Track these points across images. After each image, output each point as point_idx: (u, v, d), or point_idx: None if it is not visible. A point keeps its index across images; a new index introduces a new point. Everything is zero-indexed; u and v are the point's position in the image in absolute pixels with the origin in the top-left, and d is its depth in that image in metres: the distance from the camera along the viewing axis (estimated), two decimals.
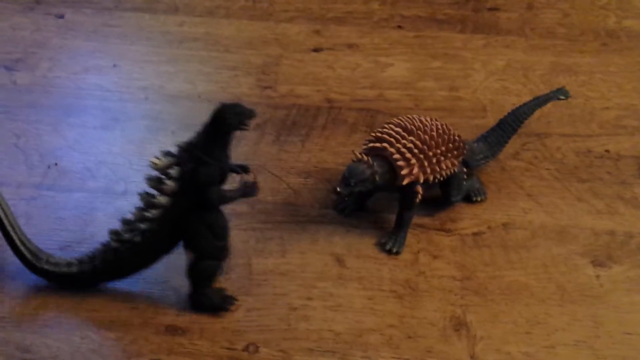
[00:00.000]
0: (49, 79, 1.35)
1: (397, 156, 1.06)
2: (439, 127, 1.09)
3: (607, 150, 1.25)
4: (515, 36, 1.48)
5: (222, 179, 0.96)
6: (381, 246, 1.09)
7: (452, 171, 1.10)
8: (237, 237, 1.08)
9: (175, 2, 1.53)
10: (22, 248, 1.00)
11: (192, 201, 0.95)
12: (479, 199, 1.16)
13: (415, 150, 1.06)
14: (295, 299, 1.03)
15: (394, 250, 1.09)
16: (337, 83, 1.37)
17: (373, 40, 1.46)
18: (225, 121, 0.93)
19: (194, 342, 0.97)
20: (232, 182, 0.98)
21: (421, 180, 1.07)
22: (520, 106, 1.21)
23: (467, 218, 1.14)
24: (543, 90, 1.32)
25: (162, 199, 0.95)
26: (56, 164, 1.20)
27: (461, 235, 1.11)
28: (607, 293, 1.04)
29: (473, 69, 1.40)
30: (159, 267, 1.01)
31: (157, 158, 0.95)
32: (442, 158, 1.08)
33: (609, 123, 1.30)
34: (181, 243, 0.99)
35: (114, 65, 1.39)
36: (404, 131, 1.07)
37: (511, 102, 1.29)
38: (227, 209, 0.98)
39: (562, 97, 1.24)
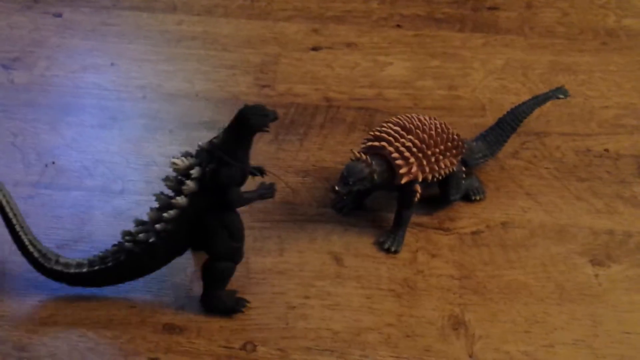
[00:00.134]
0: (47, 78, 1.35)
1: (395, 155, 1.06)
2: (438, 126, 1.09)
3: (606, 150, 1.25)
4: (514, 35, 1.48)
5: (243, 180, 0.96)
6: (379, 245, 1.09)
7: (451, 170, 1.10)
8: None
9: (173, 0, 1.53)
10: (31, 248, 0.99)
11: (210, 202, 0.95)
12: (477, 198, 1.16)
13: (414, 149, 1.06)
14: (293, 297, 1.02)
15: (393, 249, 1.08)
16: (335, 82, 1.36)
17: (372, 39, 1.46)
18: (248, 122, 0.93)
19: (192, 341, 0.97)
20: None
21: (420, 179, 1.07)
22: (519, 105, 1.21)
23: (465, 217, 1.14)
24: (542, 89, 1.32)
25: (180, 200, 0.95)
26: (54, 163, 1.20)
27: (460, 234, 1.11)
28: (606, 292, 1.04)
29: (472, 68, 1.40)
30: None
31: (178, 159, 0.95)
32: (441, 157, 1.08)
33: (608, 122, 1.30)
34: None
35: (112, 64, 1.39)
36: (402, 130, 1.07)
37: (510, 101, 1.28)
38: None
39: (561, 96, 1.24)
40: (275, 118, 0.95)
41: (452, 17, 1.52)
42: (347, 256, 1.08)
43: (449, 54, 1.43)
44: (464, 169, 1.13)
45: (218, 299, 0.99)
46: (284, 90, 1.34)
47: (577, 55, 1.44)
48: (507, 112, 1.20)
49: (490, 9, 1.54)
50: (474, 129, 1.24)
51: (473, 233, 1.11)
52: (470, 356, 0.97)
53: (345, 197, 1.13)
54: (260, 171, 1.00)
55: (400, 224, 1.09)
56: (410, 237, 1.10)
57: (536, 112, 1.23)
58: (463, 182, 1.13)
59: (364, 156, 1.05)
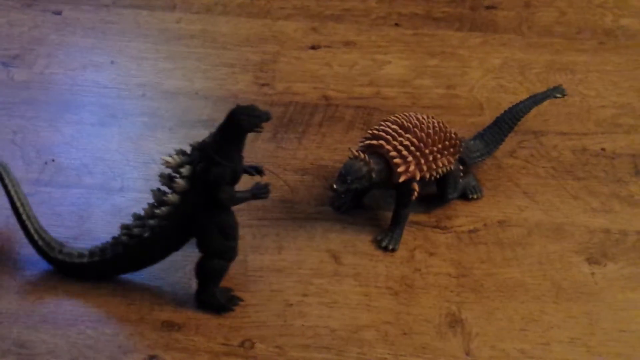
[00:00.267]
0: (47, 76, 1.36)
1: (393, 153, 1.06)
2: (436, 124, 1.09)
3: (603, 149, 1.25)
4: (512, 34, 1.48)
5: (234, 180, 0.96)
6: (377, 243, 1.10)
7: (449, 169, 1.10)
8: None
9: None
10: (36, 237, 1.01)
11: (202, 200, 0.95)
12: (475, 196, 1.16)
13: (412, 148, 1.06)
14: (291, 295, 1.03)
15: (390, 247, 1.09)
16: (334, 80, 1.37)
17: (370, 38, 1.46)
18: (240, 123, 0.93)
19: (190, 338, 0.98)
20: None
21: (417, 178, 1.07)
22: (517, 104, 1.21)
23: (463, 215, 1.14)
24: (540, 88, 1.32)
25: (172, 197, 0.96)
26: (53, 160, 1.20)
27: (457, 232, 1.12)
28: (602, 290, 1.05)
29: (470, 67, 1.41)
30: None
31: (170, 156, 0.96)
32: (439, 155, 1.08)
33: (605, 121, 1.30)
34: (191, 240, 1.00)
35: (112, 62, 1.39)
36: (400, 129, 1.08)
37: (508, 100, 1.29)
38: None
39: (558, 95, 1.24)
40: (268, 118, 0.95)
41: (451, 16, 1.52)
42: (345, 254, 1.08)
43: (447, 53, 1.44)
44: (461, 167, 1.13)
45: (211, 296, 1.00)
46: (283, 88, 1.35)
47: (575, 54, 1.44)
48: (505, 111, 1.21)
49: (488, 8, 1.55)
50: (471, 128, 1.24)
51: (470, 231, 1.12)
52: (467, 354, 0.97)
53: (343, 196, 1.13)
54: (258, 170, 1.00)
55: (398, 222, 1.10)
56: (407, 235, 1.10)
57: (533, 111, 1.24)
58: (460, 180, 1.14)
59: (362, 155, 1.06)
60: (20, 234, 1.04)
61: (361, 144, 1.09)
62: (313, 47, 1.44)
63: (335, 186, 1.05)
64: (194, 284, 1.02)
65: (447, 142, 1.09)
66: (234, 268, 1.04)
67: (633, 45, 1.46)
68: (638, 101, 1.34)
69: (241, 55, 1.41)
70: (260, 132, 0.95)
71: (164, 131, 1.26)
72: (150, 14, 1.50)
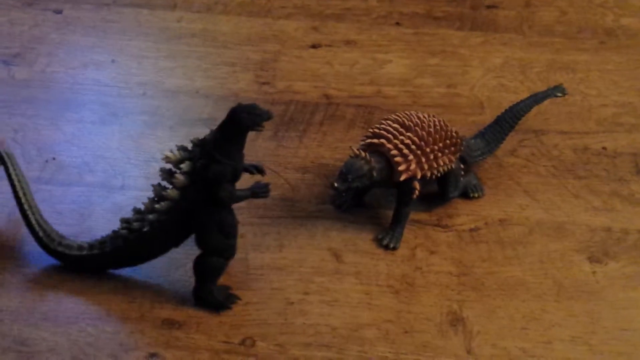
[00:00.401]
0: (47, 74, 1.36)
1: (394, 152, 1.06)
2: (437, 123, 1.09)
3: (604, 148, 1.25)
4: (513, 34, 1.48)
5: (234, 178, 0.96)
6: (378, 241, 1.09)
7: (450, 167, 1.10)
8: None
9: None
10: (37, 228, 1.02)
11: (202, 196, 0.95)
12: (476, 195, 1.16)
13: (413, 147, 1.06)
14: (292, 293, 1.03)
15: (391, 245, 1.09)
16: (335, 79, 1.37)
17: (371, 37, 1.46)
18: (241, 121, 0.93)
19: (191, 336, 0.98)
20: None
21: (418, 176, 1.07)
22: (518, 103, 1.21)
23: (464, 214, 1.14)
24: (540, 87, 1.32)
25: (171, 192, 0.96)
26: (54, 159, 1.20)
27: (458, 231, 1.12)
28: (604, 289, 1.05)
29: (471, 66, 1.41)
30: (156, 260, 1.02)
31: (171, 152, 0.96)
32: (440, 154, 1.08)
33: (606, 120, 1.30)
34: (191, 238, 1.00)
35: (113, 61, 1.39)
36: (401, 127, 1.08)
37: (509, 99, 1.29)
38: None
39: (559, 95, 1.24)
40: (269, 117, 0.95)
41: (451, 16, 1.52)
42: (346, 252, 1.08)
43: (448, 52, 1.44)
44: (462, 166, 1.13)
45: (209, 294, 1.00)
46: (284, 87, 1.35)
47: (576, 53, 1.44)
48: (506, 110, 1.21)
49: (489, 7, 1.55)
50: (472, 127, 1.24)
51: (471, 230, 1.12)
52: (468, 352, 0.97)
53: (344, 194, 1.13)
54: (258, 169, 1.00)
55: (398, 221, 1.10)
56: (408, 233, 1.10)
57: (534, 110, 1.24)
58: (461, 179, 1.13)
59: (363, 153, 1.06)
60: (21, 232, 1.04)
61: (362, 143, 1.09)
62: (314, 46, 1.44)
63: (336, 185, 1.05)
64: (194, 282, 1.02)
65: (448, 141, 1.09)
66: (235, 266, 1.04)
67: (634, 45, 1.46)
68: (639, 100, 1.34)
69: (242, 54, 1.41)
70: (261, 130, 0.95)
71: (165, 130, 1.26)
72: (151, 13, 1.50)
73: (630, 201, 1.16)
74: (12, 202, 1.04)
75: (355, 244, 1.09)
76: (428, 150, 1.07)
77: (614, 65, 1.41)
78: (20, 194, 1.02)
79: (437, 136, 1.08)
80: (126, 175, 1.18)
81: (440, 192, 1.14)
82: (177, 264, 1.03)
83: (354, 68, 1.39)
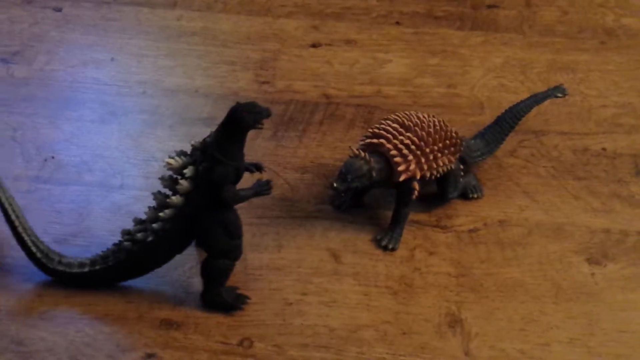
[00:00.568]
0: (47, 72, 1.36)
1: (394, 152, 1.06)
2: (437, 123, 1.09)
3: (603, 149, 1.25)
4: (513, 33, 1.48)
5: (237, 178, 0.96)
6: (377, 242, 1.09)
7: (449, 168, 1.10)
8: None
9: None
10: (33, 249, 1.00)
11: (206, 200, 0.95)
12: (475, 195, 1.16)
13: (413, 147, 1.06)
14: (290, 294, 1.03)
15: (390, 246, 1.09)
16: (335, 79, 1.37)
17: (371, 37, 1.46)
18: (241, 120, 0.93)
19: (189, 337, 0.98)
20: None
21: (418, 177, 1.07)
22: (518, 103, 1.21)
23: (463, 215, 1.14)
24: (541, 87, 1.32)
25: (175, 199, 0.95)
26: (53, 157, 1.20)
27: (457, 232, 1.11)
28: (602, 291, 1.04)
29: (471, 66, 1.40)
30: None
31: (172, 158, 0.95)
32: (439, 155, 1.08)
33: (606, 121, 1.30)
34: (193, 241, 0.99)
35: (112, 59, 1.39)
36: (401, 127, 1.07)
37: (509, 100, 1.29)
38: None
39: (559, 95, 1.24)
40: (269, 115, 0.94)
41: (452, 15, 1.52)
42: (344, 253, 1.08)
43: (448, 52, 1.43)
44: (462, 166, 1.13)
45: (218, 296, 1.00)
46: (284, 86, 1.35)
47: (576, 54, 1.44)
48: (506, 110, 1.20)
49: (489, 7, 1.54)
50: (472, 127, 1.24)
51: (470, 231, 1.12)
52: (466, 354, 0.97)
53: (343, 194, 1.13)
54: (258, 167, 1.00)
55: (398, 222, 1.10)
56: (407, 234, 1.10)
57: (534, 110, 1.23)
58: (461, 180, 1.13)
59: (362, 153, 1.06)
60: None
61: (362, 143, 1.09)
62: (314, 45, 1.44)
63: (335, 185, 1.04)
64: (193, 283, 1.02)
65: (447, 141, 1.09)
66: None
67: (634, 45, 1.46)
68: (639, 101, 1.34)
69: (242, 53, 1.41)
70: (261, 128, 0.95)
71: (164, 129, 1.26)
72: (151, 12, 1.49)
73: (629, 202, 1.16)
74: None
75: (354, 244, 1.09)
76: (428, 150, 1.07)
77: (615, 65, 1.41)
78: (13, 217, 0.99)
79: (437, 136, 1.08)
80: (125, 174, 1.18)
81: (440, 192, 1.13)
82: (175, 265, 1.03)
83: (353, 67, 1.39)
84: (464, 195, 1.15)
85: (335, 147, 1.23)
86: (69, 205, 1.13)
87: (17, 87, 1.32)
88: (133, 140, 1.23)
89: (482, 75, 1.38)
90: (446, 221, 1.13)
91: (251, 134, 0.96)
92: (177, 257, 1.01)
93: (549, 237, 1.11)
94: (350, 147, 1.08)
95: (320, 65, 1.39)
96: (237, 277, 1.04)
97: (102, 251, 1.00)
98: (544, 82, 1.36)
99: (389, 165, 1.06)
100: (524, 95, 1.25)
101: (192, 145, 0.96)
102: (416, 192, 1.08)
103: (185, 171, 0.94)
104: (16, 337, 0.97)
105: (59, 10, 1.49)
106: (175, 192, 0.95)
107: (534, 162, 1.22)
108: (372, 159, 1.06)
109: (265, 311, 1.01)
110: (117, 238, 1.00)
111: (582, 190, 1.18)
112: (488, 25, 1.50)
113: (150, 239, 0.97)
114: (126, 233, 0.98)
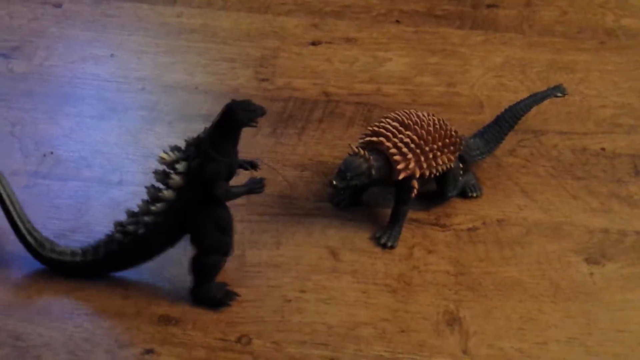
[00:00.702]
0: (46, 68, 1.35)
1: (393, 150, 1.06)
2: (436, 122, 1.09)
3: (602, 149, 1.25)
4: (513, 33, 1.48)
5: (229, 175, 0.96)
6: (376, 240, 1.09)
7: (448, 166, 1.10)
8: None
9: None
10: (27, 236, 1.00)
11: (197, 196, 0.95)
12: (474, 194, 1.16)
13: (412, 145, 1.06)
14: (289, 291, 1.03)
15: (389, 244, 1.09)
16: (334, 77, 1.37)
17: (371, 35, 1.46)
18: (235, 117, 0.93)
19: (187, 333, 0.98)
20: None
21: (417, 175, 1.07)
22: (517, 103, 1.21)
23: (462, 213, 1.14)
24: (540, 87, 1.32)
25: (167, 193, 0.95)
26: (52, 153, 1.20)
27: (456, 230, 1.11)
28: (601, 290, 1.05)
29: (471, 65, 1.40)
30: None
31: (165, 152, 0.95)
32: (439, 153, 1.08)
33: (605, 121, 1.30)
34: (186, 236, 0.99)
35: (112, 55, 1.39)
36: (400, 126, 1.07)
37: (508, 99, 1.29)
38: None
39: (559, 95, 1.24)
40: (263, 113, 0.95)
41: (452, 14, 1.52)
42: (343, 251, 1.08)
43: (448, 51, 1.44)
44: (461, 165, 1.13)
45: (207, 292, 1.00)
46: (283, 84, 1.35)
47: (576, 54, 1.44)
48: (505, 109, 1.20)
49: (489, 6, 1.54)
50: (471, 126, 1.24)
51: (469, 230, 1.12)
52: (464, 352, 0.97)
53: (342, 192, 1.13)
54: (253, 165, 1.00)
55: (397, 220, 1.10)
56: (406, 232, 1.10)
57: (534, 110, 1.23)
58: (460, 178, 1.13)
59: (362, 151, 1.06)
60: None
61: (361, 141, 1.09)
62: (314, 43, 1.44)
63: (334, 182, 1.04)
64: (190, 279, 1.02)
65: (447, 140, 1.09)
66: (232, 263, 1.04)
67: (634, 45, 1.46)
68: (638, 101, 1.34)
69: (241, 50, 1.41)
70: (255, 126, 0.95)
71: (163, 125, 1.26)
72: (151, 8, 1.49)
73: (628, 202, 1.16)
74: None
75: (353, 242, 1.09)
76: (427, 149, 1.07)
77: (614, 65, 1.41)
78: (8, 203, 1.00)
79: (437, 135, 1.08)
80: (124, 170, 1.18)
81: (439, 191, 1.13)
82: (173, 261, 1.03)
83: (353, 66, 1.39)
84: (463, 194, 1.15)
85: (335, 145, 1.23)
86: (68, 200, 1.13)
87: (16, 83, 1.32)
88: (132, 137, 1.23)
89: (481, 75, 1.38)
90: (445, 220, 1.13)
91: (250, 131, 0.96)
92: (175, 253, 1.01)
93: (548, 236, 1.11)
94: (349, 145, 1.08)
95: (320, 63, 1.39)
96: (235, 274, 1.04)
97: (94, 241, 1.01)
98: (544, 81, 1.36)
99: (388, 164, 1.06)
100: (524, 95, 1.25)
101: (185, 140, 0.96)
102: (415, 191, 1.08)
103: (177, 166, 0.94)
104: (14, 332, 0.97)
105: (59, 6, 1.49)
106: (167, 186, 0.95)
107: (533, 162, 1.22)
108: (371, 157, 1.06)
109: (264, 308, 1.01)
110: None
111: (581, 190, 1.18)
112: (488, 25, 1.50)
113: (141, 231, 0.97)
114: (118, 225, 0.99)
